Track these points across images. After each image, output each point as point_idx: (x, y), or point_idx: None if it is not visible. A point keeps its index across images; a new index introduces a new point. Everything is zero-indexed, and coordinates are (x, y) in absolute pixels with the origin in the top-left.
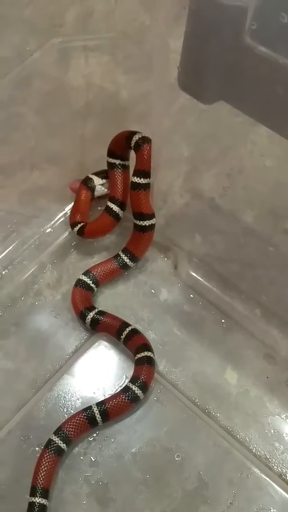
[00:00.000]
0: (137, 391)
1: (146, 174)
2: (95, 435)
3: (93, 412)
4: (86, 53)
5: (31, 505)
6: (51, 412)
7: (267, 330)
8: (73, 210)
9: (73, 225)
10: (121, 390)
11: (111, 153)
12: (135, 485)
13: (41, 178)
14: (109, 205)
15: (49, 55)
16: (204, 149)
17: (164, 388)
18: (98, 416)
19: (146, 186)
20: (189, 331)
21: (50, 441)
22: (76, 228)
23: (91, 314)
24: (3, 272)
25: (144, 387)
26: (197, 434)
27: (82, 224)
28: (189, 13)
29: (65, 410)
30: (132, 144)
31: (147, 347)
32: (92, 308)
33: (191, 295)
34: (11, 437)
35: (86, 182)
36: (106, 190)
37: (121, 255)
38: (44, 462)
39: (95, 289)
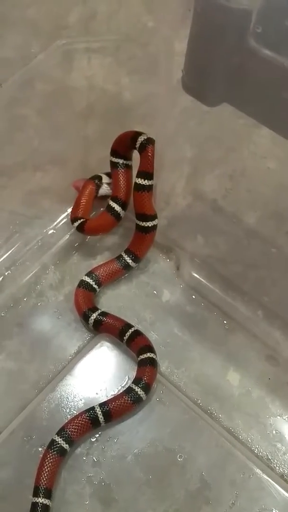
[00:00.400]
0: (140, 392)
1: (149, 175)
2: (97, 435)
3: (95, 412)
4: (89, 54)
5: (34, 505)
6: (54, 412)
7: (270, 332)
8: (75, 205)
9: (73, 220)
10: (124, 391)
11: (114, 153)
12: (138, 486)
13: (44, 179)
14: (111, 204)
15: (53, 57)
16: (207, 151)
17: (166, 389)
18: (100, 417)
19: (150, 188)
20: (191, 332)
21: (53, 442)
22: (76, 224)
23: (94, 315)
24: (6, 273)
25: (147, 388)
26: (200, 435)
27: (82, 220)
28: (194, 16)
29: (67, 411)
30: (137, 145)
31: (149, 348)
32: (95, 309)
33: (193, 296)
34: (14, 437)
35: (94, 179)
36: (111, 190)
37: (124, 256)
38: (47, 463)
39: (98, 289)
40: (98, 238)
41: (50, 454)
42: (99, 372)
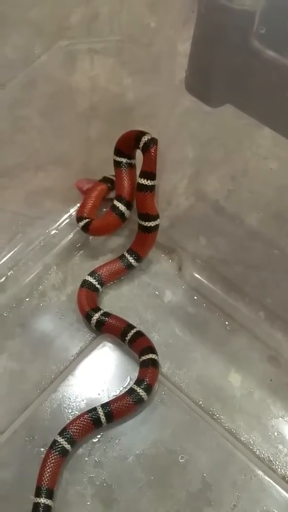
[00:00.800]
0: (142, 393)
1: (152, 175)
2: (99, 436)
3: (97, 413)
4: (91, 55)
5: (36, 505)
6: (56, 413)
7: (271, 333)
8: (82, 204)
9: (79, 220)
10: (126, 392)
11: (118, 152)
12: (139, 486)
13: (46, 180)
14: (115, 204)
15: (55, 58)
16: (209, 152)
17: (168, 390)
18: (102, 418)
19: (152, 188)
20: (193, 333)
21: (55, 442)
22: (82, 223)
23: (97, 316)
24: (8, 273)
25: (149, 389)
26: (201, 436)
27: (88, 220)
28: (197, 17)
29: (69, 411)
30: (141, 145)
31: (151, 349)
32: (97, 309)
33: (195, 297)
34: (16, 437)
35: (106, 181)
36: None
37: (126, 255)
38: (49, 463)
39: (100, 289)
40: (101, 239)
41: (52, 455)
42: (101, 373)
